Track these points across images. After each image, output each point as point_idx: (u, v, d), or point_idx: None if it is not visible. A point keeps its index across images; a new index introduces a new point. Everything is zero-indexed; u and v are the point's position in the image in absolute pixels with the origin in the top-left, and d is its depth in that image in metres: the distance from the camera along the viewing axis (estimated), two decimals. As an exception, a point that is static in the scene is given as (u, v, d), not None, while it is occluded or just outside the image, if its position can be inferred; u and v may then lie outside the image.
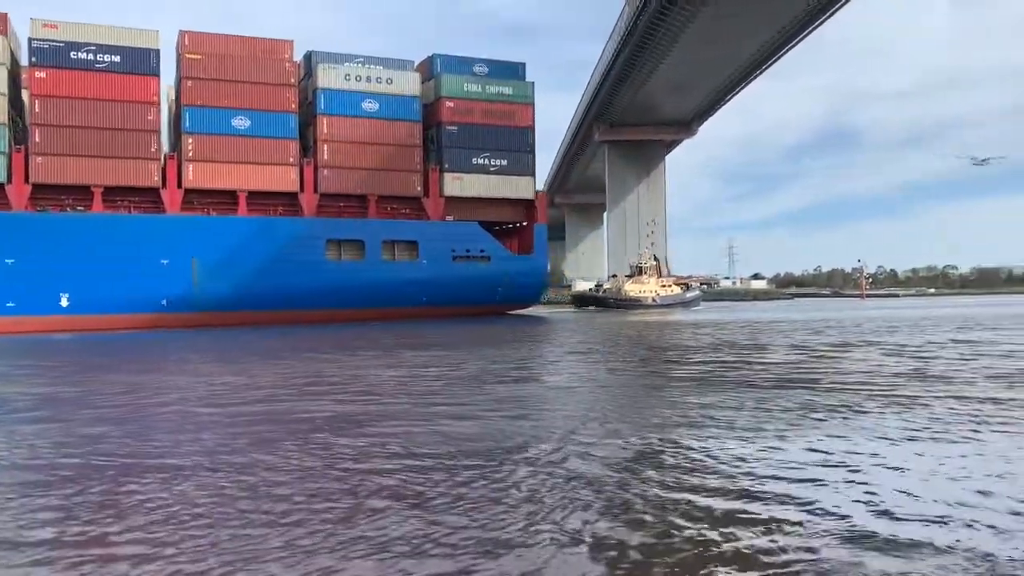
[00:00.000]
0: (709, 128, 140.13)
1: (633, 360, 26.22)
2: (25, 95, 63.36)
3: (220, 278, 63.63)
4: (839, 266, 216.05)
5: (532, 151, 76.79)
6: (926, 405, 14.21)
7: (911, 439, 11.14)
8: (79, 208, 60.90)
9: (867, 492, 8.32)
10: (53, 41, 59.77)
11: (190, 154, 63.62)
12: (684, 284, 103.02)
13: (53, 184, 59.92)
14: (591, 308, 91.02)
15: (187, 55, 63.97)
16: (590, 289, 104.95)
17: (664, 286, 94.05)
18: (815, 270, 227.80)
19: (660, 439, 11.50)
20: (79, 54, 60.52)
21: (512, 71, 76.92)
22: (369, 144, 69.54)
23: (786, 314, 69.21)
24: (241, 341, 42.54)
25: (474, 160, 73.51)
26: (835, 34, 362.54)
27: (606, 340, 37.45)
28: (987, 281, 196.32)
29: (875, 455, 10.11)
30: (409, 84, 71.96)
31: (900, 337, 33.60)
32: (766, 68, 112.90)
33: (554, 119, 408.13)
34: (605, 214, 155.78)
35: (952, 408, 13.83)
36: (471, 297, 72.89)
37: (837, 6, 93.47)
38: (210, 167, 64.27)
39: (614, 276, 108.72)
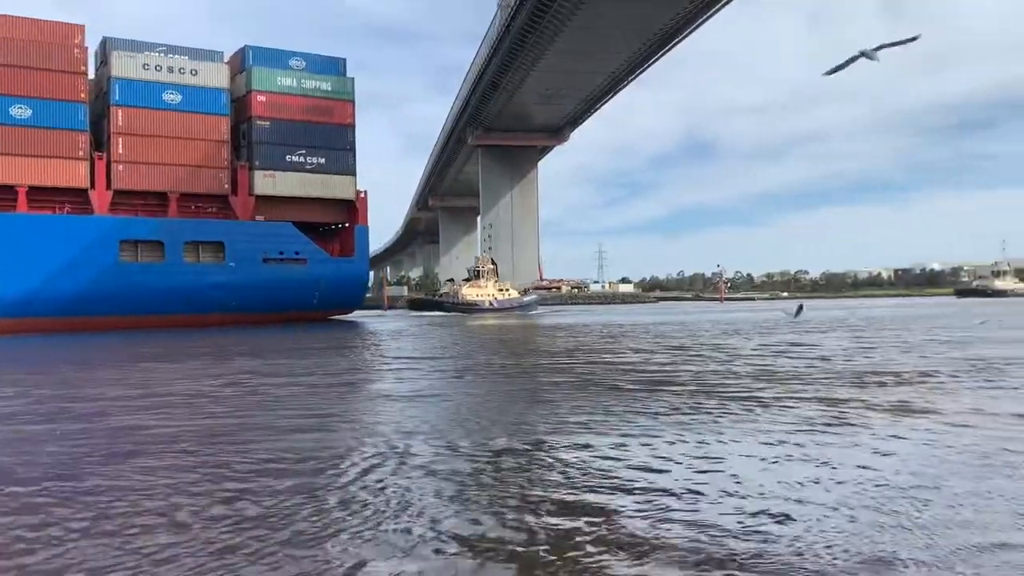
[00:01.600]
0: (582, 135, 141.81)
1: (480, 365, 24.32)
2: None
3: (-6, 281, 58.03)
4: (700, 271, 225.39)
5: (352, 149, 73.75)
6: (765, 405, 13.84)
7: (741, 439, 10.82)
8: None
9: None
10: None
11: (-43, 145, 57.94)
12: (524, 289, 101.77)
13: None
14: (429, 312, 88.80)
15: (-46, 35, 58.30)
16: (427, 293, 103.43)
17: (502, 290, 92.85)
18: (678, 274, 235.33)
19: (508, 445, 10.74)
20: None
21: (332, 66, 73.75)
22: (170, 138, 65.23)
23: (640, 317, 68.25)
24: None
25: (288, 158, 69.97)
26: (699, 49, 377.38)
27: (451, 345, 34.71)
28: (835, 285, 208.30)
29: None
30: (216, 76, 67.98)
31: (747, 340, 33.24)
32: (633, 79, 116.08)
33: (431, 122, 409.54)
34: (478, 218, 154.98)
35: (787, 407, 13.54)
36: (285, 302, 69.22)
37: (700, 21, 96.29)
38: (-18, 159, 58.61)
39: (451, 280, 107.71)
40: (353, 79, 74.09)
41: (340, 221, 75.10)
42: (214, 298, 65.88)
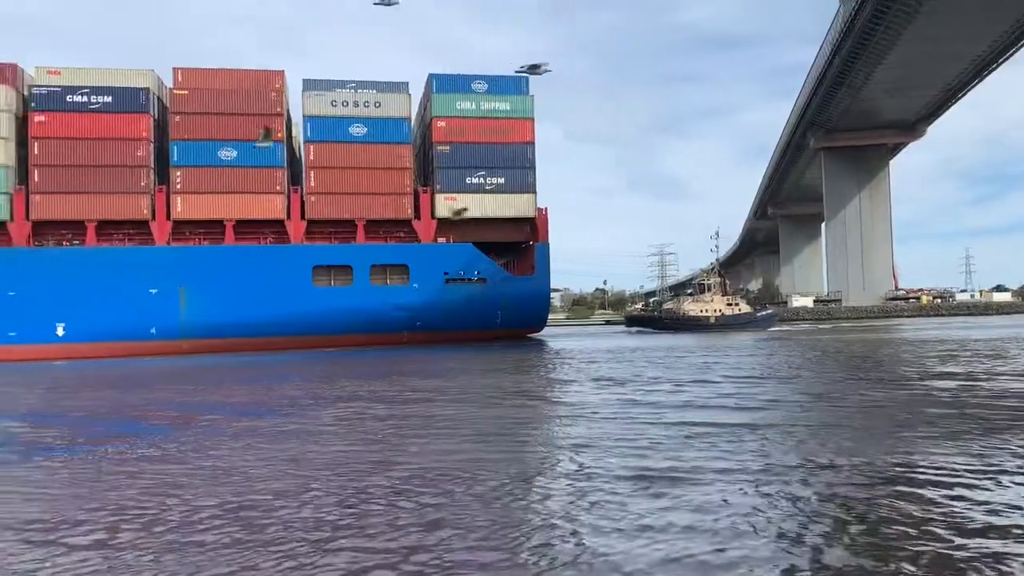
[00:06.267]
0: (941, 127, 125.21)
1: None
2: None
3: (207, 306, 64.99)
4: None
5: (532, 167, 72.82)
6: None
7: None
8: (75, 242, 65.34)
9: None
10: (52, 87, 64.40)
11: (178, 186, 65.63)
12: (760, 304, 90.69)
13: (51, 220, 64.02)
14: (644, 329, 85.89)
15: (175, 91, 66.35)
16: (665, 307, 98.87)
17: (730, 304, 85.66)
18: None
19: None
20: (75, 97, 64.45)
21: (513, 86, 73.58)
22: (356, 168, 68.77)
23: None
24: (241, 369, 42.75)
25: (468, 180, 70.88)
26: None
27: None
28: None
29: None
30: (398, 106, 70.56)
31: None
32: (1003, 62, 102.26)
33: (766, 128, 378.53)
34: (823, 225, 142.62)
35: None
36: (468, 322, 69.89)
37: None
38: (197, 198, 65.85)
39: (676, 296, 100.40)
40: (532, 96, 73.47)
41: (521, 240, 74.08)
42: (399, 319, 68.29)
